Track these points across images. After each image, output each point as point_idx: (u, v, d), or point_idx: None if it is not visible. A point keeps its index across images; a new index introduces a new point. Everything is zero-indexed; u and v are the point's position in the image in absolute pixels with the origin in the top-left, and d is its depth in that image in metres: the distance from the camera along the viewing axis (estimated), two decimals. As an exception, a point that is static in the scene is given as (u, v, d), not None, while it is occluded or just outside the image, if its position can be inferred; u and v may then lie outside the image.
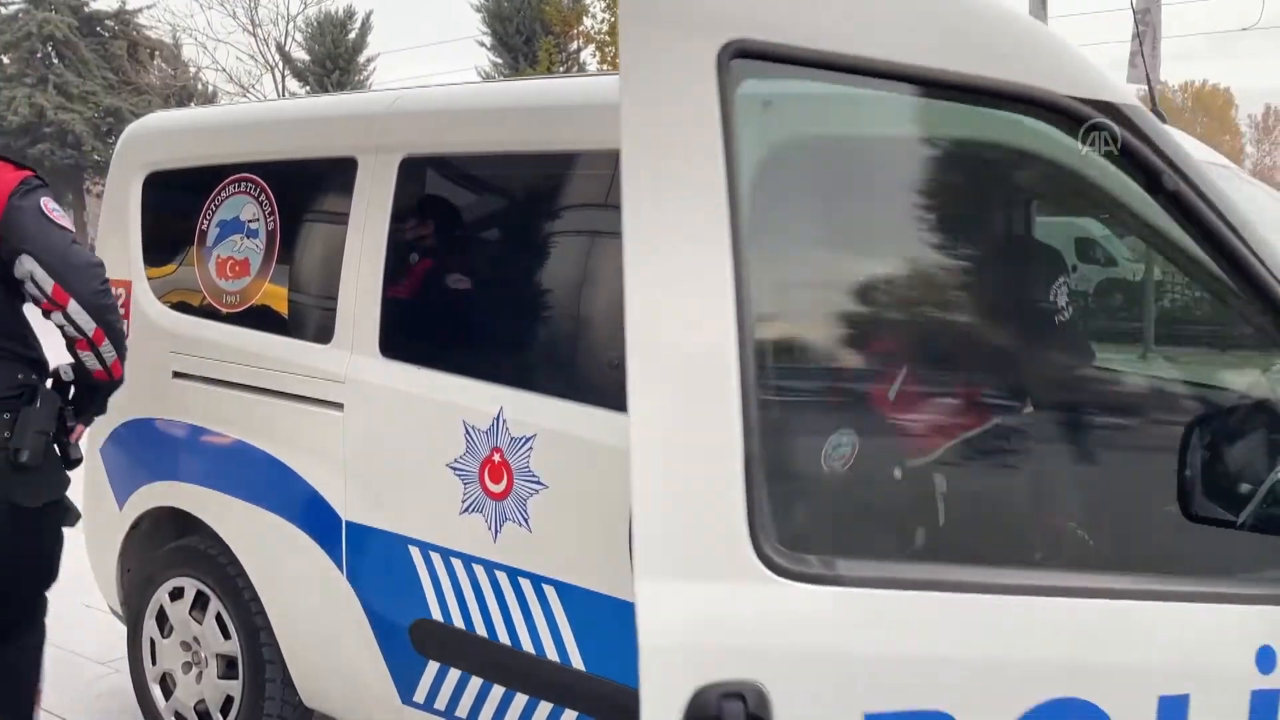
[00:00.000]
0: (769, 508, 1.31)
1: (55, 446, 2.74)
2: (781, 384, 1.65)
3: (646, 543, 1.28)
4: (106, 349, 2.66)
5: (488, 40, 32.21)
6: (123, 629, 4.07)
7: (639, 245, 1.29)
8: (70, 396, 2.78)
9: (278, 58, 30.59)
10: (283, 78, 30.75)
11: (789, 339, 1.75)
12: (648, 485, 1.28)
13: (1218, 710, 1.48)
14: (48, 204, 2.61)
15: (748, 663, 1.31)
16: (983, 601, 1.41)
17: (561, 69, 24.20)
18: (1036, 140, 1.62)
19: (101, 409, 2.91)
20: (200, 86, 32.12)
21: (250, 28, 29.25)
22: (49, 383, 2.75)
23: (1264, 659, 1.48)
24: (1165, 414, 1.88)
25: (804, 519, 1.65)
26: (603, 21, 21.23)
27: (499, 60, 31.98)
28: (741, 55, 1.35)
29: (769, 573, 1.30)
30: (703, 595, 1.30)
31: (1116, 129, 1.52)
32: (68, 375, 2.76)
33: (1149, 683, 1.46)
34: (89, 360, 2.67)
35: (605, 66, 21.75)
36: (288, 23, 30.76)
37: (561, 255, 2.69)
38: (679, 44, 1.32)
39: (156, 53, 31.96)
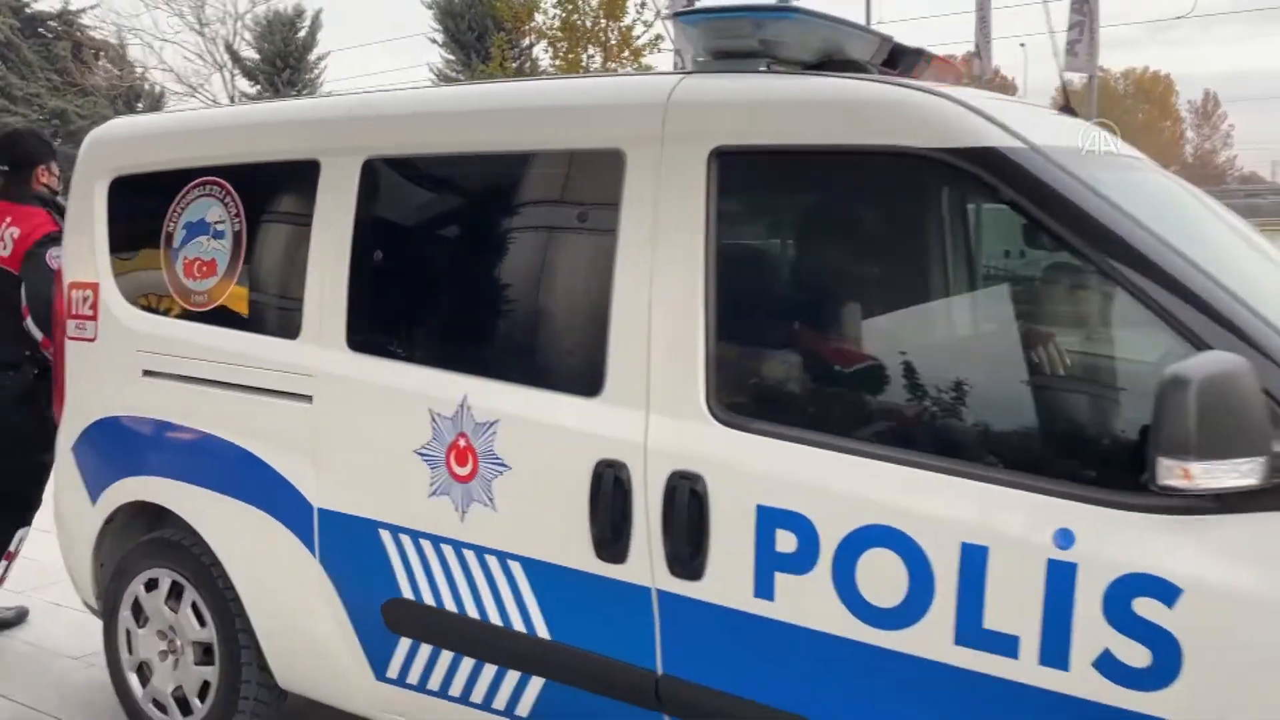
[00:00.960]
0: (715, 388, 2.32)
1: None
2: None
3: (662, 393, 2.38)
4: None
5: (439, 37, 32.11)
6: (94, 625, 4.15)
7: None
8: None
9: (226, 57, 30.31)
10: (232, 77, 30.48)
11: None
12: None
13: (1014, 565, 2.00)
14: (52, 254, 4.00)
15: (697, 464, 2.27)
16: (847, 458, 2.19)
17: (514, 65, 24.25)
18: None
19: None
20: (147, 87, 31.71)
21: (198, 27, 28.97)
22: None
23: (1062, 537, 1.94)
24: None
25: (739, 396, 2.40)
26: (554, 17, 21.29)
27: (451, 57, 31.89)
28: (724, 155, 2.36)
29: (713, 419, 2.28)
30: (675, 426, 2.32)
31: (985, 174, 1.94)
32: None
33: (954, 531, 2.04)
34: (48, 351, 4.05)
35: (558, 62, 21.83)
36: (236, 21, 30.50)
37: (519, 250, 2.83)
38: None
39: (102, 53, 31.44)
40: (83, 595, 3.77)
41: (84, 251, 3.59)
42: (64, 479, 3.67)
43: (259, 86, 32.35)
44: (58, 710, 3.78)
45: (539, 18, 21.78)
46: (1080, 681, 1.94)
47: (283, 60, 32.32)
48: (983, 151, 2.10)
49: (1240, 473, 1.73)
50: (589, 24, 20.67)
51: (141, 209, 3.48)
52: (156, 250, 3.41)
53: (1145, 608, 1.88)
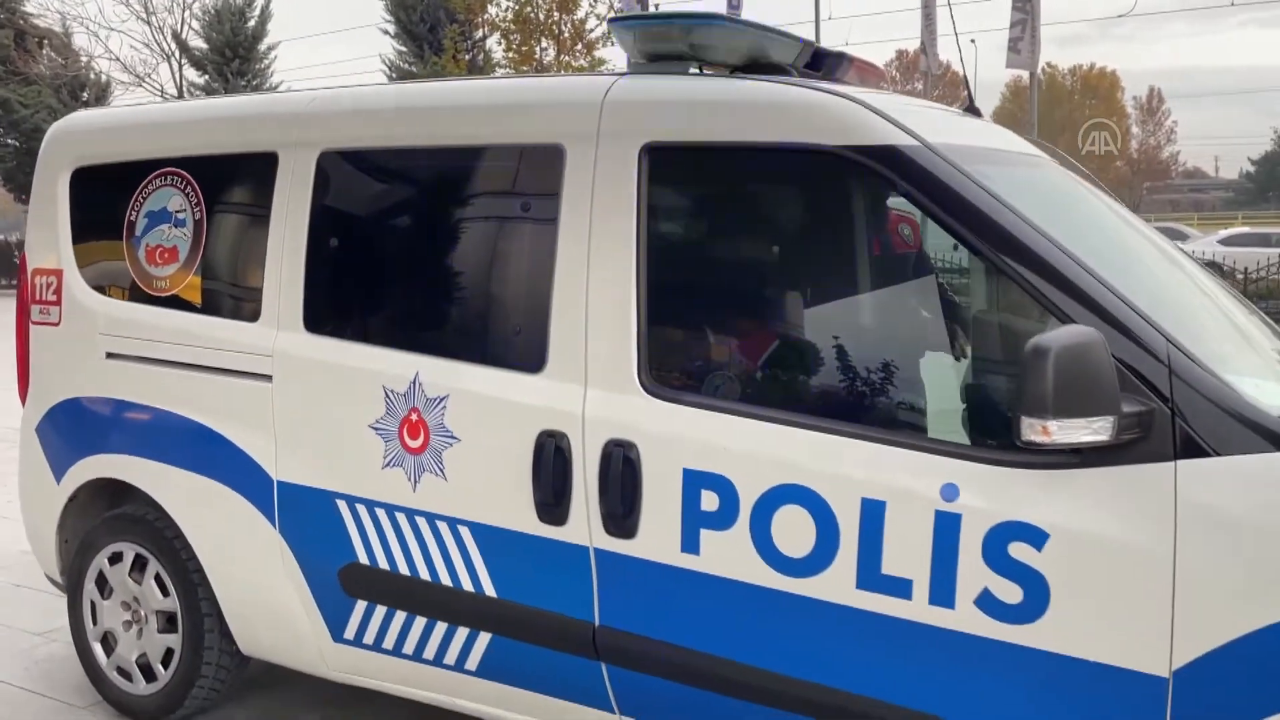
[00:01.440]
0: (647, 363, 2.54)
1: None
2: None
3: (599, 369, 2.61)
4: None
5: (391, 28, 31.97)
6: (56, 603, 4.30)
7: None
8: None
9: (174, 46, 29.90)
10: (180, 67, 30.07)
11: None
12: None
13: (907, 517, 2.25)
14: None
15: (630, 432, 2.50)
16: (763, 425, 2.42)
17: (467, 57, 24.24)
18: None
19: None
20: (93, 76, 31.21)
21: (144, 15, 28.55)
22: None
23: (948, 491, 2.20)
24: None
25: (667, 371, 2.65)
26: (507, 10, 21.33)
27: (403, 49, 31.77)
28: (654, 150, 2.58)
29: (644, 392, 2.51)
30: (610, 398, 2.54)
31: (887, 171, 2.17)
32: None
33: (856, 488, 2.29)
34: None
35: (511, 54, 21.87)
36: (184, 10, 30.08)
37: (467, 237, 3.03)
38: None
39: (46, 41, 30.89)
40: (47, 570, 3.91)
41: (48, 239, 3.72)
42: (28, 459, 3.81)
43: (207, 77, 31.98)
44: (23, 682, 3.91)
45: (492, 10, 21.81)
46: (964, 618, 2.20)
47: (232, 50, 31.97)
48: (883, 149, 2.35)
49: (1093, 430, 1.99)
50: (542, 17, 20.72)
51: (104, 198, 3.63)
52: (119, 238, 3.56)
53: (1018, 551, 2.14)
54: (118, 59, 29.91)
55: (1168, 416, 2.05)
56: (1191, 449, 2.04)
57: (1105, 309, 2.12)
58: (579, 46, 21.25)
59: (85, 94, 30.73)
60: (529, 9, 20.76)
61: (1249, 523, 1.99)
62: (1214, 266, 20.44)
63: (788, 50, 2.92)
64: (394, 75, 31.11)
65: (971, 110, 3.09)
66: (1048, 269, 2.17)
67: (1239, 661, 1.97)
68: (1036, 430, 1.98)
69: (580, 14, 20.97)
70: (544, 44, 20.72)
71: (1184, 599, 2.02)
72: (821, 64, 3.09)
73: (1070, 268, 2.17)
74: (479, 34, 25.71)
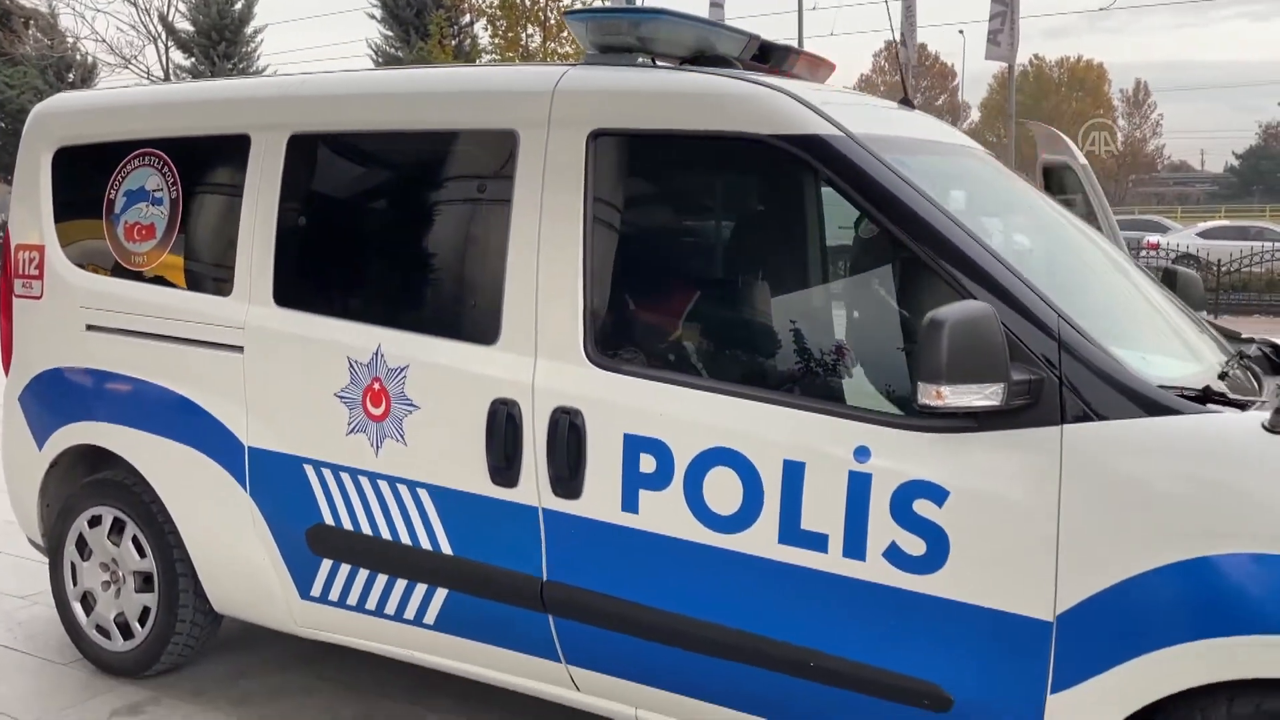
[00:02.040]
0: (592, 336, 2.70)
1: None
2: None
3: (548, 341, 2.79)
4: None
5: (378, 13, 31.99)
6: (36, 568, 4.48)
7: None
8: None
9: (160, 28, 29.86)
10: (166, 49, 30.03)
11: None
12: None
13: (826, 475, 2.45)
14: None
15: (576, 400, 2.69)
16: (697, 393, 2.63)
17: (453, 42, 24.28)
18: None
19: None
20: (79, 57, 31.15)
21: (131, -3, 28.52)
22: None
23: (860, 453, 2.39)
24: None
25: (611, 343, 2.81)
26: (494, -5, 21.40)
27: (390, 33, 31.81)
28: (600, 136, 2.77)
29: (589, 363, 2.66)
30: (558, 368, 2.69)
31: (810, 158, 2.33)
32: None
33: (778, 450, 2.49)
34: None
35: (497, 40, 21.95)
36: (171, -8, 30.04)
37: (428, 216, 3.21)
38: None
39: (31, 22, 30.81)
40: (29, 534, 4.08)
41: (30, 216, 3.89)
42: (11, 427, 3.98)
43: (194, 59, 31.96)
44: (5, 641, 4.09)
45: (478, -4, 21.88)
46: (874, 569, 2.39)
47: (218, 33, 31.96)
48: (808, 138, 2.54)
49: (985, 395, 2.18)
50: (528, 3, 20.81)
51: (85, 177, 3.79)
52: (99, 215, 3.72)
53: (921, 507, 2.34)
54: (104, 40, 29.99)
55: (1056, 385, 2.25)
56: (1077, 414, 2.23)
57: (1000, 285, 2.31)
58: (565, 33, 21.35)
59: (71, 75, 30.70)
60: (515, -5, 20.82)
61: (1124, 482, 2.19)
62: (1189, 259, 20.80)
63: (733, 43, 3.10)
64: (380, 60, 31.16)
65: (905, 103, 3.27)
66: (949, 248, 2.36)
67: (1113, 606, 2.17)
68: (931, 395, 2.17)
69: (566, 0, 21.06)
70: (530, 30, 20.81)
71: (1066, 551, 2.22)
72: (770, 57, 3.28)
73: (970, 247, 2.36)
74: (465, 19, 25.76)
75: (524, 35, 21.20)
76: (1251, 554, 2.07)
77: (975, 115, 73.70)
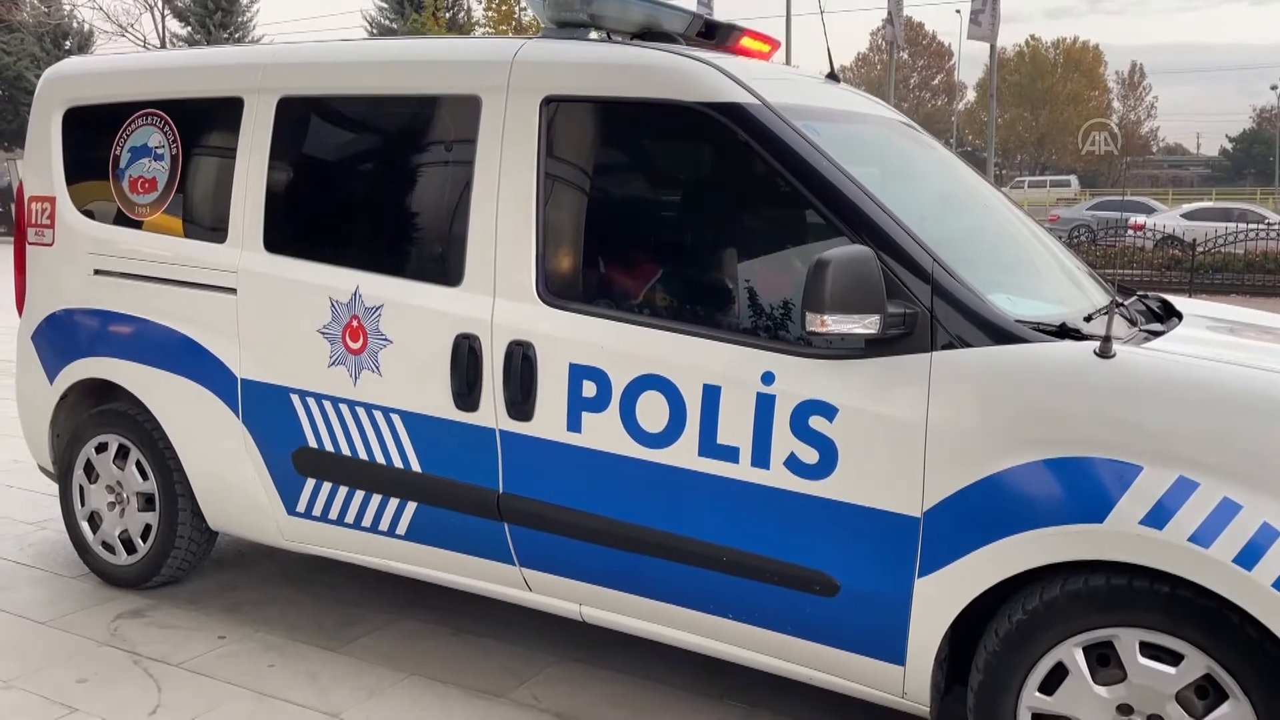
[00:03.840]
0: (544, 278, 3.08)
1: None
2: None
3: (505, 283, 3.16)
4: None
5: (374, -16, 32.10)
6: (45, 499, 4.88)
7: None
8: None
9: (157, -3, 29.98)
10: (163, 18, 30.18)
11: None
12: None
13: (738, 397, 2.83)
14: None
15: (528, 335, 3.09)
16: (631, 328, 2.99)
17: (446, 14, 24.53)
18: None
19: None
20: (75, 25, 31.26)
21: (127, -35, 28.62)
22: None
23: (766, 378, 2.77)
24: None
25: (559, 284, 3.16)
26: (487, -31, 21.65)
27: (384, 5, 31.94)
28: (552, 101, 3.16)
29: (540, 302, 3.06)
30: (514, 307, 3.08)
31: (729, 123, 2.68)
32: None
33: (699, 376, 2.87)
34: None
35: (490, 13, 22.23)
36: (167, -39, 30.14)
37: (401, 171, 3.58)
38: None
39: (28, -11, 30.93)
40: (39, 461, 4.47)
41: (42, 169, 4.26)
42: (24, 363, 4.36)
43: (190, 28, 32.08)
44: (18, 559, 4.48)
45: (472, -31, 22.11)
46: (776, 476, 2.79)
47: (214, 3, 32.05)
48: (728, 105, 2.92)
49: (863, 325, 2.57)
50: (521, -23, 21.08)
51: (93, 135, 4.16)
52: (106, 169, 4.09)
53: (816, 423, 2.73)
54: (101, 9, 30.25)
55: (928, 318, 2.64)
56: (945, 344, 2.63)
57: (884, 233, 2.70)
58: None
59: (68, 43, 30.83)
60: (508, -31, 21.07)
61: (978, 399, 2.58)
62: (1172, 240, 21.17)
63: (679, 21, 3.48)
64: (374, 31, 31.27)
65: (831, 77, 3.65)
66: (841, 201, 2.74)
67: (966, 504, 2.57)
68: (817, 323, 2.56)
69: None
70: (522, 3, 21.05)
71: (932, 458, 2.61)
72: (715, 33, 3.66)
73: (861, 200, 2.74)
74: (460, -8, 25.93)
75: (516, 8, 21.46)
76: (1072, 458, 2.46)
77: (971, 95, 73.91)
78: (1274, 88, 69.30)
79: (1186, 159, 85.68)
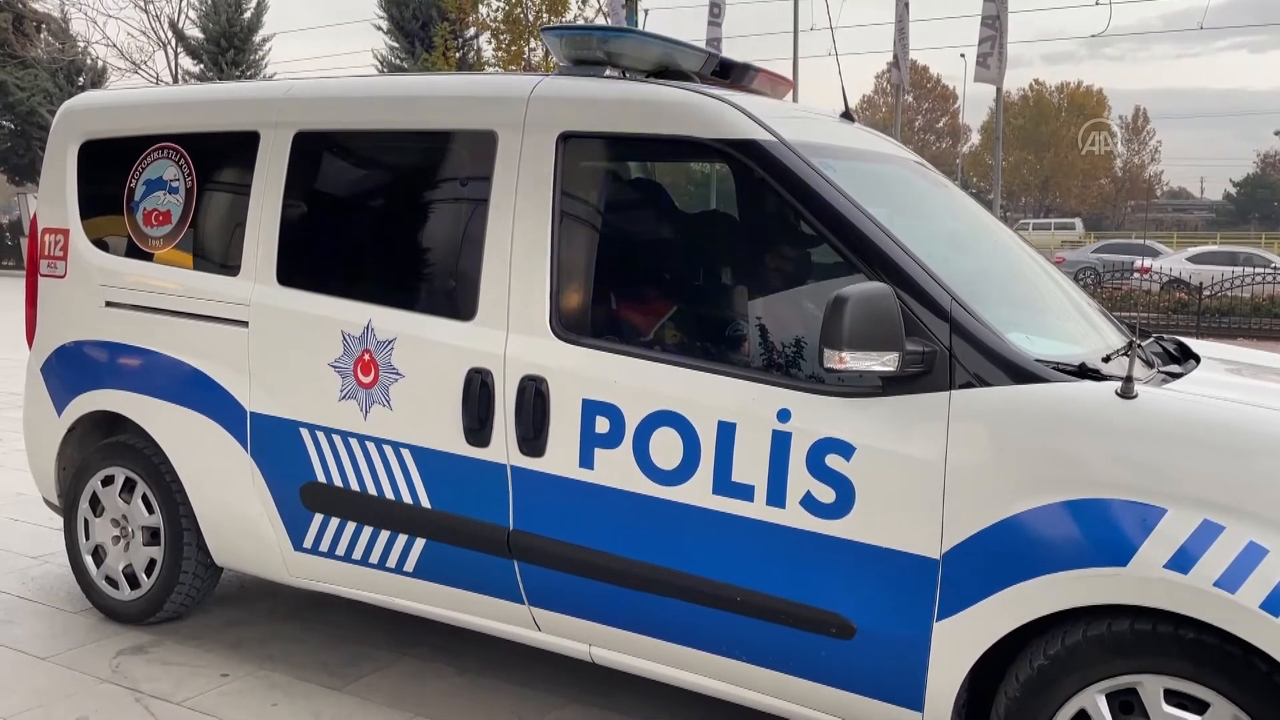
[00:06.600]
0: (557, 313, 3.03)
1: None
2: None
3: (518, 318, 3.15)
4: None
5: (384, 24, 32.49)
6: (49, 533, 4.84)
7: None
8: None
9: (170, 35, 30.36)
10: (175, 55, 30.54)
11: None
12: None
13: (753, 434, 2.80)
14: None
15: (541, 369, 3.02)
16: (645, 363, 2.97)
17: (457, 55, 24.76)
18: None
19: None
20: (89, 62, 31.64)
21: (141, 3, 29.06)
22: None
23: (782, 414, 2.72)
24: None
25: (573, 320, 3.15)
26: (498, 10, 21.88)
27: (395, 45, 32.30)
28: (568, 138, 3.10)
29: (554, 337, 3.00)
30: (527, 342, 3.03)
31: (746, 159, 2.70)
32: None
33: (714, 413, 2.83)
34: None
35: (501, 54, 22.40)
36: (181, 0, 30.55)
37: (416, 206, 3.59)
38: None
39: (44, 26, 31.34)
40: (44, 494, 4.43)
41: (57, 201, 4.27)
42: (32, 395, 4.35)
43: (202, 65, 32.45)
44: (20, 593, 4.44)
45: (483, 9, 22.35)
46: (792, 515, 2.76)
47: (227, 40, 32.44)
48: (745, 142, 2.92)
49: (882, 362, 2.55)
50: (531, 18, 21.28)
51: (108, 167, 4.17)
52: (120, 202, 4.10)
53: (832, 461, 2.70)
54: (114, 45, 30.57)
55: (946, 356, 2.62)
56: (964, 382, 2.60)
57: (902, 272, 2.68)
58: (567, 48, 21.76)
59: (81, 79, 31.15)
60: (519, 10, 21.30)
61: (998, 438, 2.55)
62: (1179, 283, 21.20)
63: (694, 60, 3.49)
64: (385, 70, 31.61)
65: (846, 116, 3.66)
66: (859, 238, 2.73)
67: (986, 546, 2.53)
68: (834, 359, 2.54)
69: (569, 15, 21.53)
70: (533, 44, 21.26)
71: (951, 498, 2.58)
72: (730, 73, 3.67)
73: (878, 238, 2.73)
74: (470, 32, 26.22)
75: (526, 49, 21.66)
76: (1094, 499, 2.43)
77: (976, 138, 74.38)
78: (1277, 133, 69.79)
79: (1190, 203, 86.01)
